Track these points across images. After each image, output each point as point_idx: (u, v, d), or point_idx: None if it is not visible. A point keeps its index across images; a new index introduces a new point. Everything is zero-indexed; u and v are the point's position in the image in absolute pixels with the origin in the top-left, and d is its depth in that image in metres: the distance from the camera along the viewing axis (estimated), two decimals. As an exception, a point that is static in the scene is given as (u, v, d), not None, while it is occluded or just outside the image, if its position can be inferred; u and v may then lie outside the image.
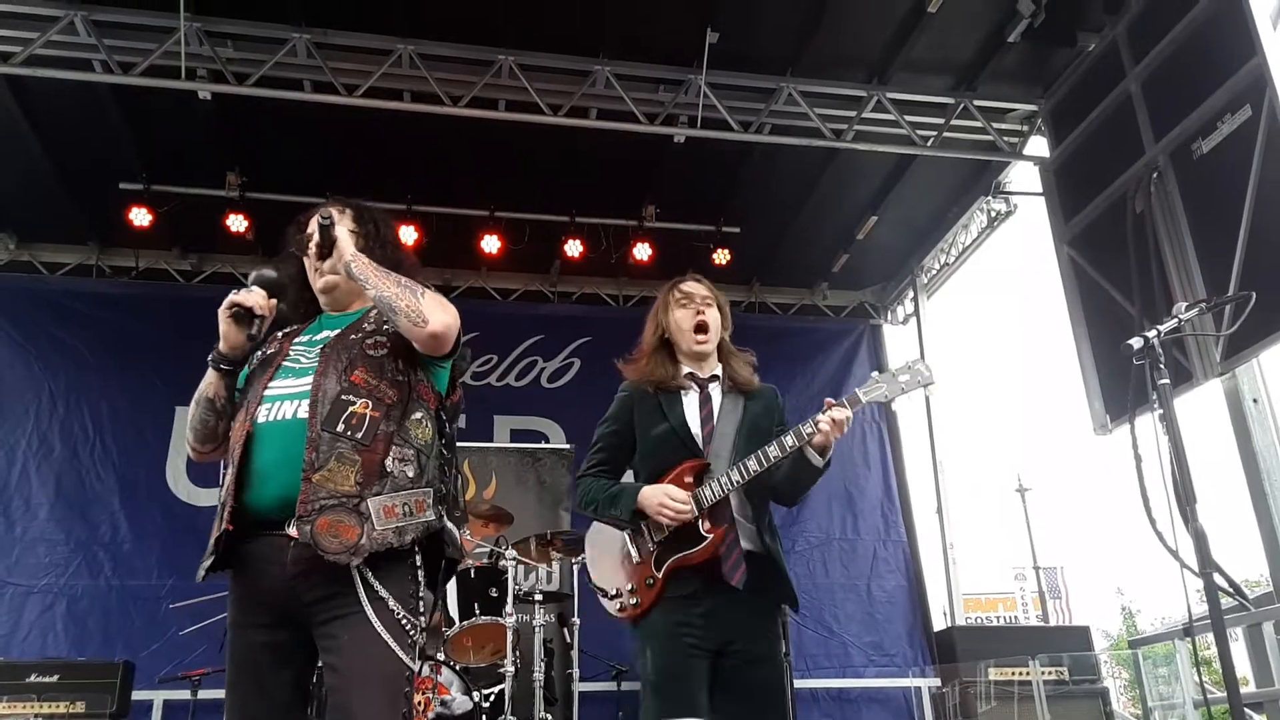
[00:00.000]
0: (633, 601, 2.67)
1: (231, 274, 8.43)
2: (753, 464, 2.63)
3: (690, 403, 2.81)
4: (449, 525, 2.25)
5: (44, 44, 5.84)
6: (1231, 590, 2.48)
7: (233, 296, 2.32)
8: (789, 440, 2.63)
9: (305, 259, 2.43)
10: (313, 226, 2.37)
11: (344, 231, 2.39)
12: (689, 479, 2.68)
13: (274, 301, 2.37)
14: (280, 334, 2.43)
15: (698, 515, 2.63)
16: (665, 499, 2.62)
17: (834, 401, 2.65)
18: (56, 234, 8.14)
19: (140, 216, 7.22)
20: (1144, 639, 10.55)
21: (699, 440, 2.75)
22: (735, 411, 2.81)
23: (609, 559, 2.78)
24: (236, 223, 7.36)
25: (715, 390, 2.85)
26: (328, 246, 2.35)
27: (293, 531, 2.04)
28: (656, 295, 3.07)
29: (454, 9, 6.12)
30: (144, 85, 6.01)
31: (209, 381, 2.31)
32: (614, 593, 2.72)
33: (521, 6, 6.09)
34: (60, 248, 8.28)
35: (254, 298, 2.31)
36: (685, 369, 2.87)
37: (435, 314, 2.20)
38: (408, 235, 6.94)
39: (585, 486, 2.87)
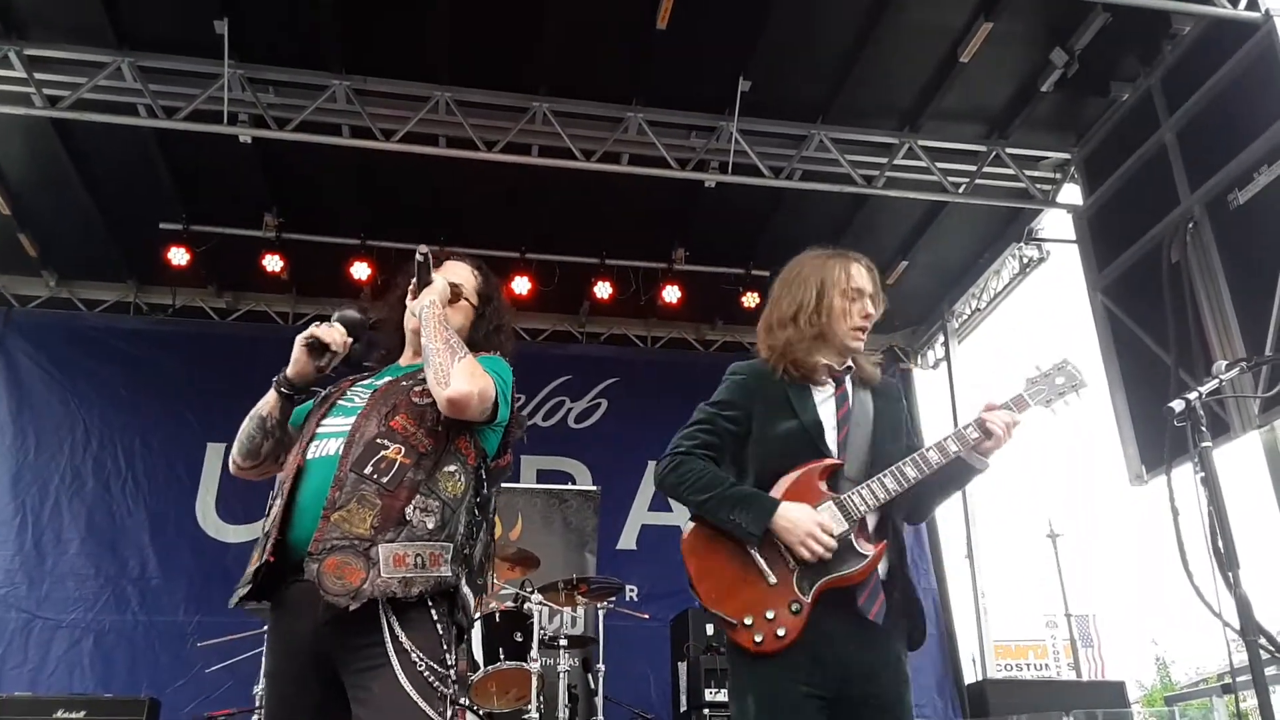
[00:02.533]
0: (778, 633, 2.16)
1: (266, 312, 8.58)
2: (910, 470, 2.26)
3: (823, 397, 2.41)
4: (464, 590, 2.17)
5: (91, 89, 6.00)
6: (1274, 649, 2.42)
7: (313, 329, 2.38)
8: (952, 446, 2.30)
9: (409, 294, 2.46)
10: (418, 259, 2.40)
11: (440, 279, 2.42)
12: (822, 485, 2.28)
13: (351, 340, 2.42)
14: (350, 375, 2.46)
15: (848, 529, 2.23)
16: (818, 530, 2.19)
17: (997, 404, 2.37)
18: (96, 272, 8.31)
19: (179, 255, 7.35)
20: (1180, 694, 10.29)
21: (832, 441, 2.34)
22: (868, 409, 2.43)
23: (727, 577, 2.26)
24: (273, 263, 7.48)
25: (849, 385, 2.46)
26: (421, 285, 2.39)
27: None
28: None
29: (491, 57, 6.23)
30: (187, 129, 6.15)
31: (267, 400, 2.37)
32: (746, 623, 2.19)
33: (556, 55, 6.19)
34: (99, 285, 8.43)
35: (333, 334, 2.38)
36: (824, 359, 2.43)
37: (459, 380, 2.17)
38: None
39: (691, 468, 2.33)
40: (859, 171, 6.86)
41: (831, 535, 2.20)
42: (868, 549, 2.22)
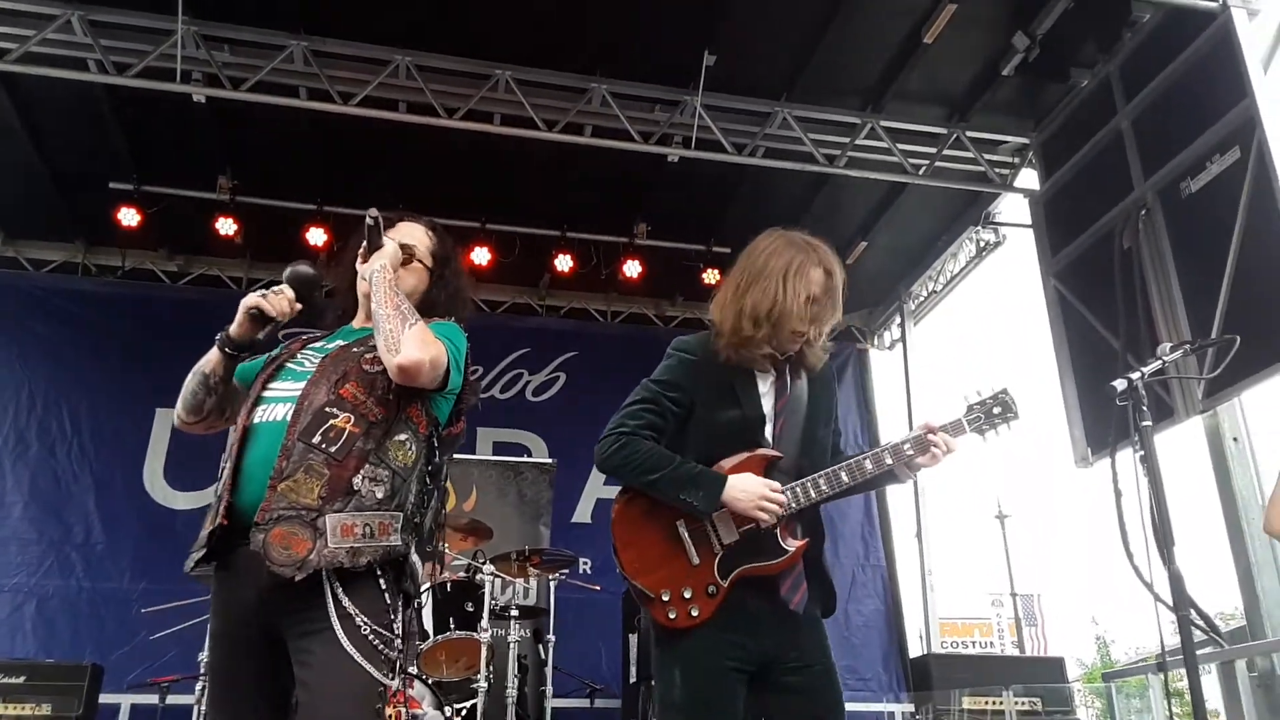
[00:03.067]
0: (691, 612, 2.24)
1: (219, 277, 8.43)
2: (845, 475, 2.34)
3: (765, 388, 2.46)
4: (414, 558, 2.17)
5: (39, 42, 5.81)
6: (1206, 628, 2.50)
7: (258, 299, 2.33)
8: (887, 458, 2.36)
9: (359, 257, 2.42)
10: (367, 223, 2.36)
11: (391, 243, 2.38)
12: (760, 472, 2.34)
13: (299, 306, 2.38)
14: (304, 335, 2.43)
15: (775, 522, 2.30)
16: (769, 492, 2.26)
17: (938, 427, 2.41)
18: (44, 231, 8.12)
19: (129, 216, 7.20)
20: (1117, 671, 10.59)
21: (771, 432, 2.41)
22: (803, 398, 2.49)
23: (651, 553, 2.32)
24: (226, 226, 7.34)
25: (788, 373, 2.51)
26: (371, 248, 2.35)
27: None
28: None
29: (453, 22, 6.13)
30: (138, 87, 5.99)
31: (210, 357, 2.34)
32: (664, 598, 2.26)
33: (520, 22, 6.10)
34: (46, 245, 8.24)
35: (279, 303, 2.34)
36: (767, 348, 2.44)
37: (409, 347, 2.14)
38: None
39: (638, 448, 2.34)
40: (821, 150, 6.87)
41: (780, 499, 2.27)
42: (790, 544, 2.31)
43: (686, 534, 2.32)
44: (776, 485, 2.28)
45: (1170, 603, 2.30)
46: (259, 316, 2.33)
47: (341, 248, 2.54)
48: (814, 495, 2.34)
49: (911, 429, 2.45)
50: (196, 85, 6.12)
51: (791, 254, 2.46)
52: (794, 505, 2.32)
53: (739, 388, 2.42)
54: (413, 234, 2.49)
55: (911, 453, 2.37)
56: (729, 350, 2.42)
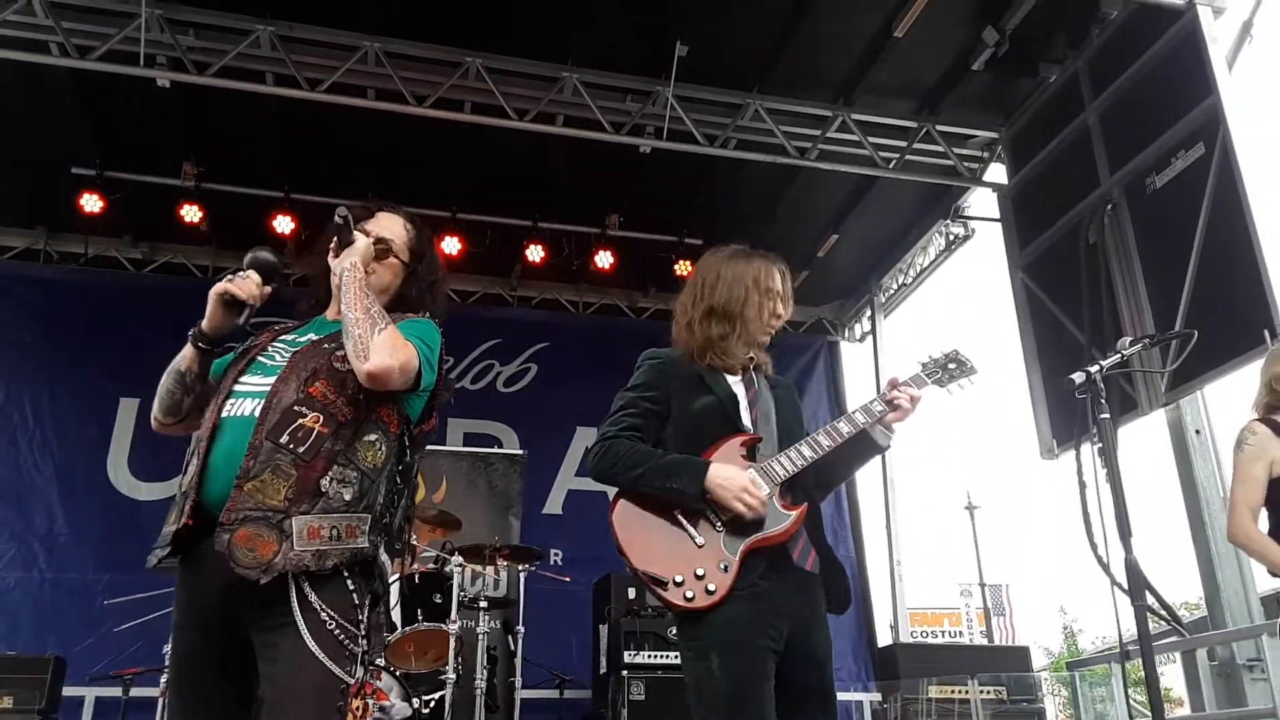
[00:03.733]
0: (708, 588, 2.23)
1: (184, 264, 8.32)
2: (824, 439, 2.40)
3: (734, 380, 2.54)
4: (383, 557, 2.15)
5: (-1, 23, 5.71)
6: (1167, 617, 2.53)
7: (226, 284, 2.26)
8: (860, 417, 2.45)
9: (331, 250, 2.37)
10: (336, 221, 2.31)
11: (362, 239, 2.33)
12: (742, 453, 2.41)
13: (267, 289, 2.31)
14: (274, 326, 2.37)
15: (770, 492, 2.34)
16: (751, 485, 2.29)
17: (903, 380, 2.52)
18: (4, 217, 7.95)
19: (92, 203, 7.09)
20: (1081, 660, 10.73)
21: (747, 418, 2.48)
22: (770, 396, 2.58)
23: (656, 541, 2.33)
24: (191, 213, 7.24)
25: (754, 374, 2.60)
26: (342, 245, 2.31)
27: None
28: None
29: (423, 8, 6.08)
30: (101, 70, 5.88)
31: (184, 354, 2.28)
32: (677, 580, 2.25)
33: (492, 10, 6.06)
34: (7, 231, 8.08)
35: (248, 286, 2.27)
36: (735, 351, 2.56)
37: (379, 354, 2.10)
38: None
39: (620, 449, 2.41)
40: (793, 143, 6.89)
41: (761, 492, 2.31)
42: (791, 510, 2.35)
43: (685, 519, 2.34)
44: (758, 480, 2.32)
45: (1129, 591, 2.34)
46: (232, 302, 2.27)
47: (311, 235, 2.49)
48: (799, 462, 2.38)
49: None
50: (161, 69, 6.03)
51: (746, 259, 2.63)
52: (781, 475, 2.37)
53: (708, 379, 2.49)
54: (391, 226, 2.44)
55: (881, 409, 2.47)
56: (707, 352, 2.52)
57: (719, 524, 2.31)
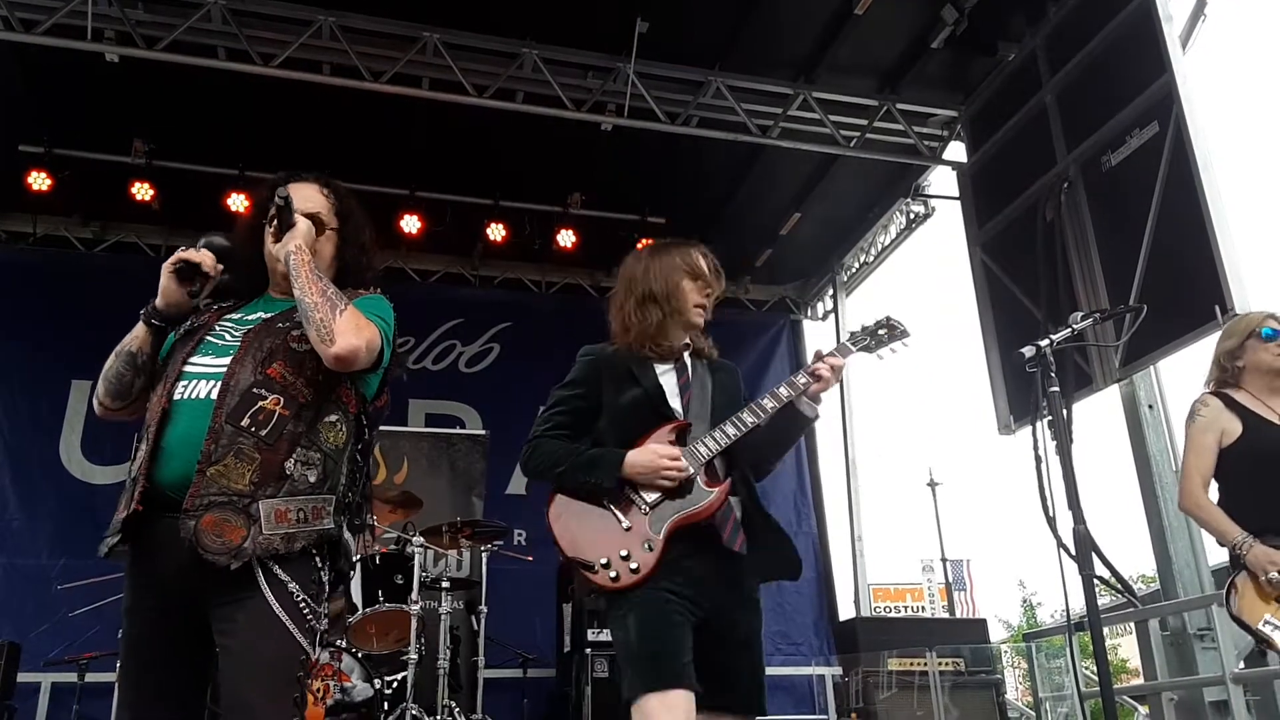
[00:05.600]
0: (632, 567, 2.32)
1: (136, 244, 8.14)
2: (748, 416, 2.48)
3: (664, 370, 2.61)
4: (347, 536, 2.16)
5: (-64, -6, 5.54)
6: (1121, 589, 2.58)
7: (180, 253, 2.23)
8: (783, 391, 2.51)
9: (267, 231, 2.31)
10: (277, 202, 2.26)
11: (303, 221, 2.27)
12: (671, 439, 2.47)
13: (221, 268, 2.27)
14: (216, 305, 2.32)
15: (694, 472, 2.43)
16: (663, 459, 2.38)
17: (826, 351, 2.59)
18: (-52, 195, 7.74)
19: (39, 181, 6.93)
20: (1038, 632, 10.94)
21: (677, 405, 2.55)
22: (706, 380, 2.66)
23: (585, 529, 2.43)
24: (142, 191, 7.10)
25: (688, 359, 2.68)
26: (283, 228, 2.25)
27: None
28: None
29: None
30: (47, 45, 5.73)
31: (135, 335, 2.22)
32: (603, 563, 2.34)
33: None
34: (-48, 210, 7.87)
35: (202, 255, 2.23)
36: (668, 336, 2.65)
37: (345, 336, 2.09)
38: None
39: (544, 449, 2.53)
40: (755, 121, 6.88)
41: (675, 457, 2.39)
42: (713, 487, 2.43)
43: (613, 506, 2.43)
44: (673, 450, 2.40)
45: (1078, 561, 2.38)
46: (185, 270, 2.22)
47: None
48: (723, 441, 2.46)
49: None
50: (109, 44, 5.89)
51: (666, 249, 2.74)
52: (704, 455, 2.44)
53: (636, 371, 2.58)
54: (311, 197, 2.36)
55: (805, 381, 2.53)
56: (631, 344, 2.61)
57: (645, 507, 2.41)
